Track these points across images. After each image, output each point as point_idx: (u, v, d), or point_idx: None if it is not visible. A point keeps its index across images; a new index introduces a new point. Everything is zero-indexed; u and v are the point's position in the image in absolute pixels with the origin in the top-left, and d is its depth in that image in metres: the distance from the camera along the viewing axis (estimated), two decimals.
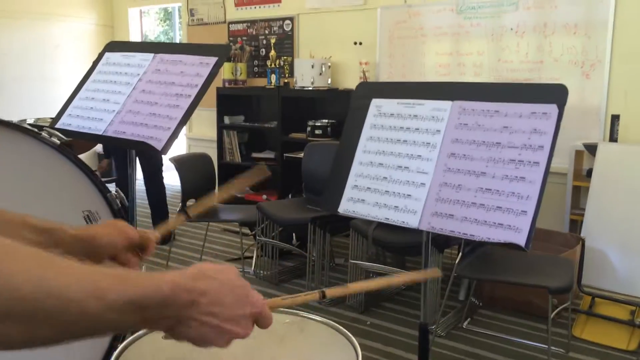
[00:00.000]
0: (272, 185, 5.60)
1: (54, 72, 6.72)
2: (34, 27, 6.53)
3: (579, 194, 4.06)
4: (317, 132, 4.93)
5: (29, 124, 1.40)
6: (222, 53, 1.72)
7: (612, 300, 3.20)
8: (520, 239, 1.28)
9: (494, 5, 4.37)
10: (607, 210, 3.61)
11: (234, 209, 4.04)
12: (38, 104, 6.35)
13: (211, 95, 5.68)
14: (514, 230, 1.30)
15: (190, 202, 3.75)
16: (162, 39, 14.59)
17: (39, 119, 4.32)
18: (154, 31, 14.34)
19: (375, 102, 1.62)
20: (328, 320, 1.10)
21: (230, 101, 5.76)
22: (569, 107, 4.38)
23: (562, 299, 3.23)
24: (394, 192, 1.49)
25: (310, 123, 4.99)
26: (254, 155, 5.66)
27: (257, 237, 3.87)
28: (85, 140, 2.47)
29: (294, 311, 1.16)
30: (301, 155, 4.23)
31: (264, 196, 5.42)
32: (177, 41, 7.47)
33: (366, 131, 1.61)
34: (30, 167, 1.36)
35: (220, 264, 0.75)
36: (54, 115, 2.00)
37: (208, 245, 4.45)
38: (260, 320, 0.78)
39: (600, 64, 3.99)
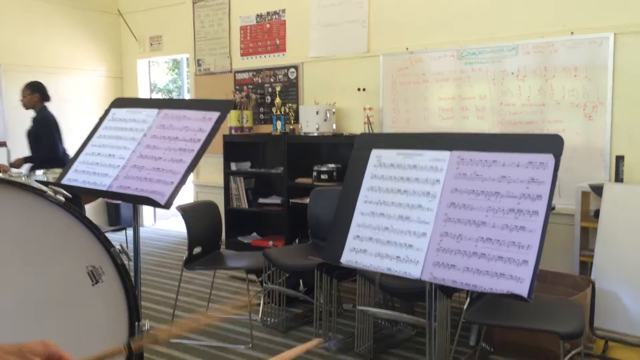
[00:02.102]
0: (278, 231, 5.61)
1: (64, 124, 6.84)
2: (45, 80, 6.67)
3: (587, 235, 4.03)
4: (322, 177, 4.96)
5: (36, 181, 1.43)
6: (224, 108, 1.76)
7: (625, 343, 3.14)
8: (523, 290, 1.27)
9: (494, 51, 4.45)
10: (616, 251, 3.58)
11: (241, 256, 4.03)
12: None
13: (218, 143, 5.76)
14: (516, 280, 1.29)
15: (197, 250, 3.76)
16: (171, 87, 14.89)
17: (48, 170, 4.38)
18: (162, 80, 14.63)
19: (375, 153, 1.65)
20: None
21: (236, 148, 5.84)
22: (574, 148, 4.38)
23: (574, 343, 3.17)
24: (395, 242, 1.50)
25: (315, 168, 5.04)
26: (261, 200, 5.69)
27: (264, 284, 3.85)
28: (79, 194, 2.51)
29: None
30: (307, 200, 4.24)
31: (271, 242, 5.42)
32: (185, 90, 7.62)
33: (367, 181, 1.63)
34: (35, 225, 1.38)
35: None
36: (62, 168, 2.05)
37: (215, 292, 4.43)
38: None
39: (602, 106, 4.03)
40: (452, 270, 1.38)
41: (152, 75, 7.63)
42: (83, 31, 7.00)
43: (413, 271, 1.44)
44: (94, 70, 7.15)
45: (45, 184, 1.43)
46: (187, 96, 7.74)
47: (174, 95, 14.13)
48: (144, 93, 7.37)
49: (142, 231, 6.59)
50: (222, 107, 1.76)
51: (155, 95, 8.30)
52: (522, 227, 1.34)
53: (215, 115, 1.73)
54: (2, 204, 1.32)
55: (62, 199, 1.36)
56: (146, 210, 7.39)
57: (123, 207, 7.02)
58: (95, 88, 7.15)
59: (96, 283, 1.45)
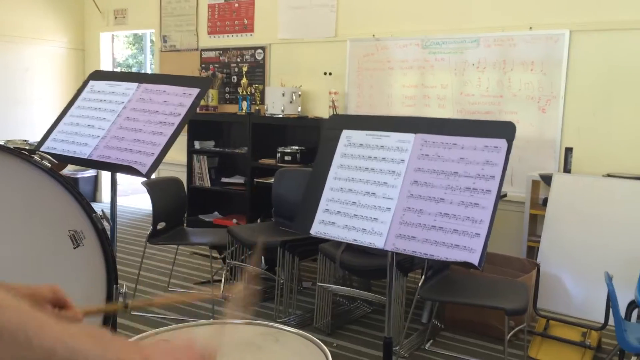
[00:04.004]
0: (240, 211, 5.68)
1: (24, 94, 6.70)
2: (4, 49, 6.52)
3: (535, 222, 4.27)
4: (286, 158, 5.05)
5: (21, 148, 1.48)
6: (204, 85, 1.83)
7: (565, 322, 3.38)
8: (474, 259, 1.42)
9: (457, 42, 4.61)
10: (561, 238, 3.82)
11: (204, 232, 4.10)
12: (8, 126, 6.32)
13: None
14: (469, 250, 1.44)
15: (161, 225, 3.81)
16: (131, 62, 14.57)
17: (9, 140, 4.33)
18: (122, 54, 14.28)
19: (346, 133, 1.77)
20: (300, 331, 1.21)
21: (201, 126, 5.85)
22: (527, 139, 4.60)
23: (518, 321, 3.39)
24: (362, 216, 1.62)
25: (280, 149, 5.12)
26: (224, 180, 5.74)
27: (227, 261, 3.93)
28: (60, 162, 2.53)
29: (270, 323, 1.27)
30: (271, 180, 4.33)
31: (234, 220, 5.49)
32: (148, 65, 7.54)
33: (337, 159, 1.74)
34: (20, 189, 1.43)
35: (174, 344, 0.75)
36: (24, 137, 2.08)
37: (177, 268, 4.48)
38: None
39: (555, 100, 4.25)
40: (413, 242, 1.52)
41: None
42: (45, 0, 6.83)
43: (377, 242, 1.57)
44: (55, 41, 7.00)
45: (31, 151, 1.49)
46: (149, 72, 7.68)
47: (135, 71, 13.87)
48: (106, 67, 7.26)
49: (102, 207, 6.55)
50: (202, 84, 1.84)
51: (117, 70, 8.19)
52: (476, 203, 1.48)
53: (195, 91, 1.80)
54: None
55: (48, 164, 1.42)
56: (105, 186, 7.31)
57: (81, 181, 6.94)
58: (56, 59, 7.01)
59: (77, 246, 1.52)
